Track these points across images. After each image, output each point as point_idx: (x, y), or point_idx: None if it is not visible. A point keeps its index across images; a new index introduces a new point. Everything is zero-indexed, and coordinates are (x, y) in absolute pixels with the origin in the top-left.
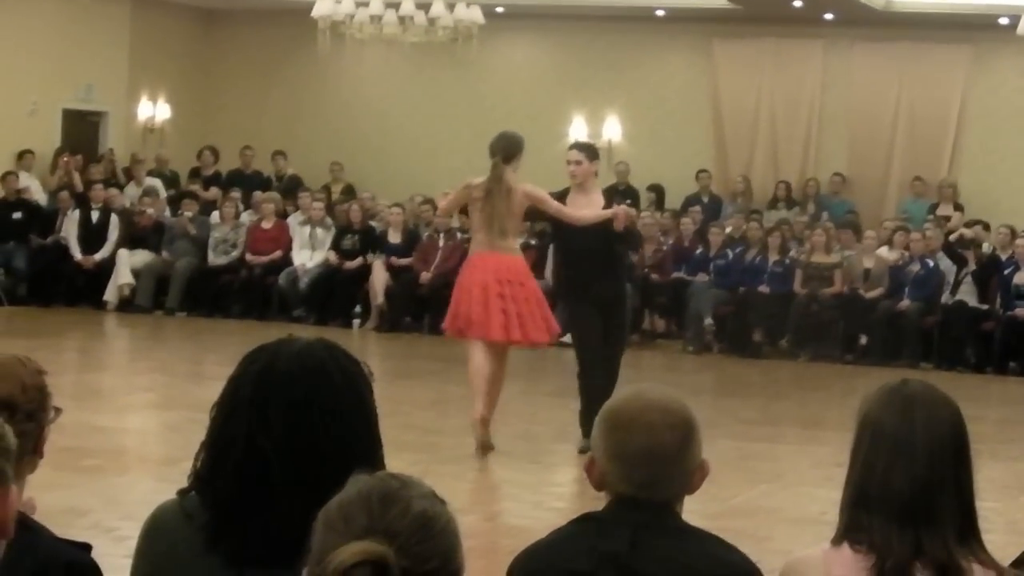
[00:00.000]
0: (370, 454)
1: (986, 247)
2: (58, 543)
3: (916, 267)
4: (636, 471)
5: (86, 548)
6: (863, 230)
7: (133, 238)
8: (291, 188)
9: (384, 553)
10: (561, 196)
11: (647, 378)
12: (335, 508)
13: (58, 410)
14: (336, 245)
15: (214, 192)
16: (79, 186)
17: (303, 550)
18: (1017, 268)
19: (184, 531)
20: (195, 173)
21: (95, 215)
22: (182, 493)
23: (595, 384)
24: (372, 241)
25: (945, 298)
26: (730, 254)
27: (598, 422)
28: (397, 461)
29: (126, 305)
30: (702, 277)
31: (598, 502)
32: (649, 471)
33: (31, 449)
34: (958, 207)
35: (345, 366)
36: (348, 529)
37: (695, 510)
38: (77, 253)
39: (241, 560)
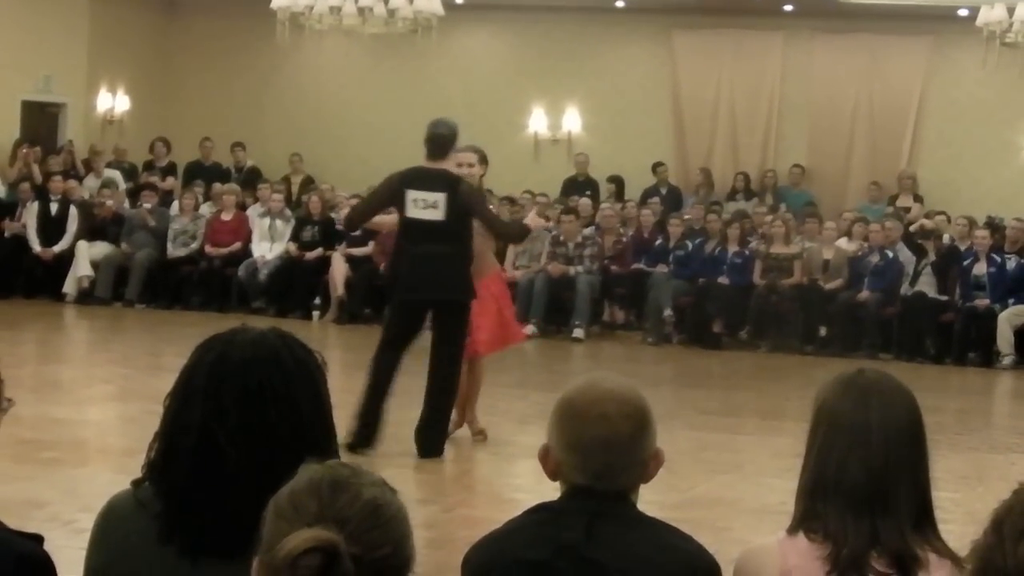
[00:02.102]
0: (323, 442)
1: (946, 238)
2: (9, 535)
3: (875, 258)
4: (591, 461)
5: (38, 540)
6: (823, 221)
7: (92, 230)
8: (250, 179)
9: (334, 540)
10: None
11: (606, 369)
12: (285, 496)
13: (10, 400)
14: (296, 236)
15: (170, 182)
16: (38, 178)
17: (256, 539)
18: (976, 259)
19: (138, 521)
20: (149, 165)
21: (54, 207)
22: (136, 483)
23: None
24: (332, 233)
25: (904, 289)
26: (690, 245)
27: (553, 412)
28: (355, 452)
29: (85, 297)
30: (662, 268)
31: (557, 493)
32: (604, 460)
33: None
34: (917, 198)
35: (299, 355)
36: (298, 516)
37: (654, 500)
38: (36, 245)
39: (195, 550)
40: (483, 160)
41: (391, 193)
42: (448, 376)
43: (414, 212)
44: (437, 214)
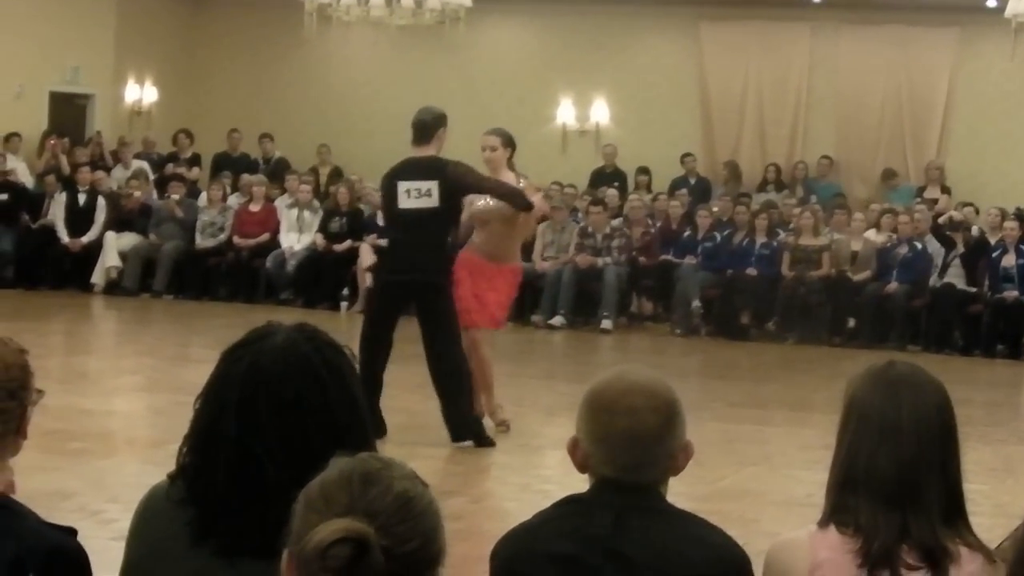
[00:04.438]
0: (361, 441)
1: (974, 230)
2: (42, 527)
3: (904, 249)
4: (619, 454)
5: (71, 532)
6: (851, 212)
7: (120, 221)
8: (278, 171)
9: (365, 531)
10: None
11: (634, 361)
12: (316, 488)
13: (40, 392)
14: (324, 228)
15: (195, 173)
16: (66, 169)
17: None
18: (1005, 251)
19: (173, 519)
20: (173, 157)
21: (82, 198)
22: (172, 477)
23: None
24: (360, 223)
25: (933, 281)
26: (718, 237)
27: (581, 404)
28: (384, 444)
29: (113, 288)
30: (690, 260)
31: (585, 485)
32: (632, 454)
33: (14, 429)
34: (945, 190)
35: (329, 358)
36: (329, 509)
37: (682, 492)
38: (64, 236)
39: (231, 552)
40: (508, 143)
41: (387, 190)
42: (449, 356)
43: (406, 203)
44: (431, 202)
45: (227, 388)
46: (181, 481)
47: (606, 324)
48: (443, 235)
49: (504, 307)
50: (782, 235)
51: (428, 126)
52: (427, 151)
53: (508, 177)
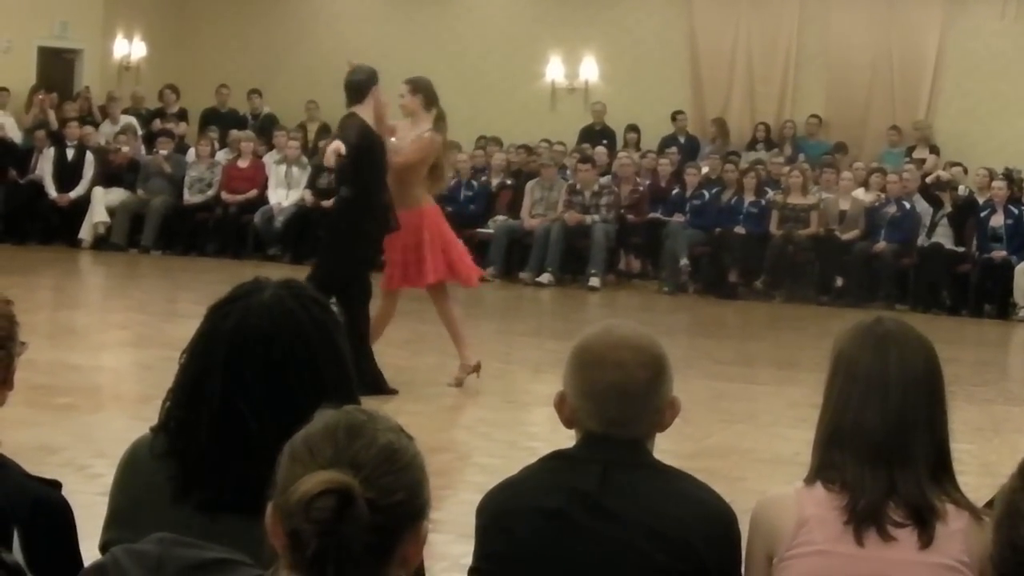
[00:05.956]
0: (346, 396)
1: (962, 189)
2: (27, 480)
3: (892, 209)
4: (606, 408)
5: (56, 485)
6: (840, 170)
7: (108, 176)
8: (267, 127)
9: (348, 482)
10: None
11: (621, 317)
12: (300, 440)
13: (23, 344)
14: (312, 184)
15: (182, 128)
16: (54, 124)
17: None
18: (993, 210)
19: (156, 472)
20: (161, 112)
21: (70, 153)
22: (155, 431)
23: None
24: None
25: (921, 240)
26: (706, 195)
27: (568, 359)
28: (370, 399)
29: (101, 243)
30: (678, 217)
31: (572, 441)
32: (619, 408)
33: (0, 379)
34: (933, 149)
35: (316, 315)
36: (313, 460)
37: (669, 449)
38: (52, 191)
39: (213, 507)
40: (418, 90)
41: None
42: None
43: None
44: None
45: (213, 345)
46: (164, 435)
47: (594, 281)
48: (341, 196)
49: (428, 258)
50: (771, 193)
51: (362, 85)
52: (359, 110)
53: (423, 125)
